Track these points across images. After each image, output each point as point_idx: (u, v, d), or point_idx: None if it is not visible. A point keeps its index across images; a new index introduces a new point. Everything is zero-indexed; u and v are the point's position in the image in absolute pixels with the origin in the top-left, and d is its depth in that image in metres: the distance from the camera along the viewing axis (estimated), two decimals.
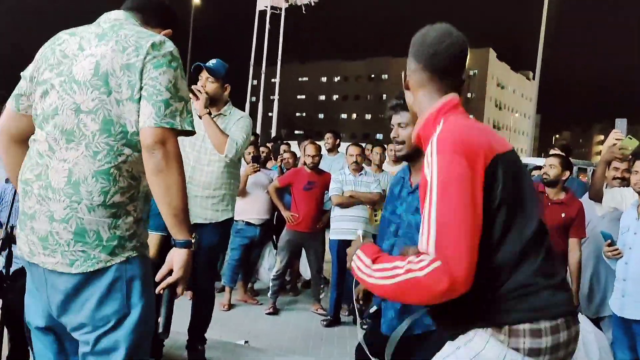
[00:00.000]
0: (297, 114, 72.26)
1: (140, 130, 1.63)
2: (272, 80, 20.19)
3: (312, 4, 17.53)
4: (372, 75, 70.82)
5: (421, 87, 1.58)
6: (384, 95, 68.20)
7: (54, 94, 1.68)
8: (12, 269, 2.55)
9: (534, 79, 18.64)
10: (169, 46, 1.71)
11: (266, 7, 18.01)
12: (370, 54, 71.92)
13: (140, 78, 1.63)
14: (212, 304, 3.57)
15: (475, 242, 1.27)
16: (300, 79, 73.65)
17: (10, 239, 2.43)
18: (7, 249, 2.43)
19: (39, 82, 1.73)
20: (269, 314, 5.03)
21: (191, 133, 1.70)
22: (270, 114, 20.44)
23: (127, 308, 1.67)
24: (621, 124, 3.14)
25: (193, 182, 3.25)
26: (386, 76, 68.44)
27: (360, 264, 1.43)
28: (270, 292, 5.14)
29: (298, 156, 6.45)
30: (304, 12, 18.35)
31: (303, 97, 74.50)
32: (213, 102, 3.33)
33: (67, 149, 1.64)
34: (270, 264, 5.50)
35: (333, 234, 4.94)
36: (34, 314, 1.80)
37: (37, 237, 1.66)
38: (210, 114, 3.22)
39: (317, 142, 5.62)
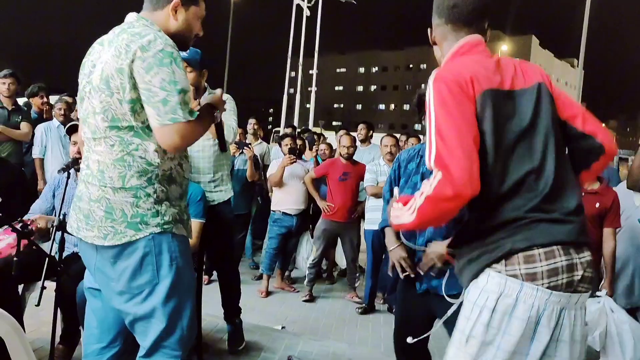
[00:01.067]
0: (335, 105, 72.19)
1: (154, 130, 1.80)
2: (310, 71, 20.26)
3: None
4: (410, 65, 70.07)
5: (445, 39, 1.69)
6: (423, 85, 67.37)
7: (86, 100, 1.90)
8: (64, 255, 2.74)
9: (578, 66, 18.11)
10: (159, 44, 1.78)
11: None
12: (408, 43, 70.78)
13: (129, 81, 1.76)
14: (237, 275, 3.70)
15: (472, 149, 1.42)
16: (338, 70, 73.53)
17: (63, 226, 2.61)
18: (61, 235, 2.60)
19: (79, 90, 1.96)
20: (305, 301, 5.16)
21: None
22: (307, 106, 20.56)
23: (157, 278, 1.86)
24: None
25: (192, 170, 3.36)
26: (424, 66, 67.55)
27: (396, 212, 1.58)
28: (306, 280, 5.27)
29: (334, 147, 6.55)
30: (342, 0, 18.32)
31: (341, 88, 74.36)
32: (196, 91, 3.40)
33: (95, 145, 1.89)
34: (307, 253, 5.63)
35: (368, 223, 5.02)
36: (88, 277, 2.13)
37: (82, 215, 1.92)
38: (199, 104, 3.31)
39: (352, 133, 5.70)
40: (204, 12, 1.99)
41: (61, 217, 2.62)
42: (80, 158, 3.03)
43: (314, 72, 19.09)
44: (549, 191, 1.47)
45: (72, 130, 3.12)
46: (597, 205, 3.51)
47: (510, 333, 1.43)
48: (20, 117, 5.18)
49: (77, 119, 5.73)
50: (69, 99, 5.69)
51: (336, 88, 73.71)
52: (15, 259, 2.37)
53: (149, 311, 1.87)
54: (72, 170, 2.91)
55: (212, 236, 3.37)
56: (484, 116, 1.48)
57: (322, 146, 6.30)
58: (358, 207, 5.28)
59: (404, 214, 1.52)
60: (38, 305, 2.34)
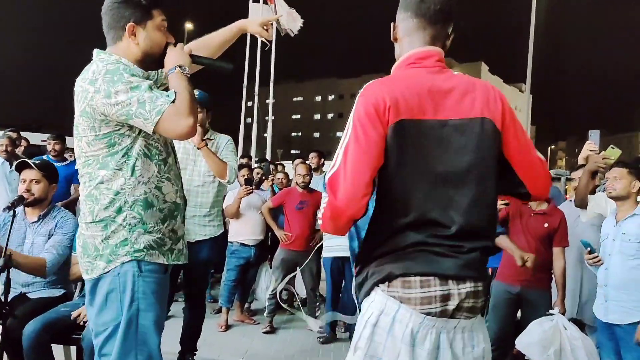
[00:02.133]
0: (293, 134, 72.54)
1: (158, 135, 1.84)
2: (267, 100, 20.32)
3: (299, 29, 17.66)
4: None
5: (407, 35, 1.63)
6: None
7: None
8: (10, 296, 2.64)
9: (525, 91, 18.83)
10: (101, 68, 1.80)
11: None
12: (365, 71, 72.28)
13: (96, 119, 1.81)
14: (203, 314, 3.75)
15: (364, 179, 1.45)
16: (294, 99, 74.15)
17: (8, 266, 2.52)
18: (6, 276, 2.50)
19: None
20: (265, 332, 5.08)
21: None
22: (265, 135, 20.55)
23: (120, 317, 1.83)
24: (594, 135, 3.23)
25: (190, 204, 3.35)
26: None
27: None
28: (266, 311, 5.20)
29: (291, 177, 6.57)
30: (292, 35, 18.52)
31: (298, 116, 74.93)
32: (201, 129, 3.49)
33: (80, 183, 1.95)
34: (266, 284, 5.57)
35: (326, 251, 5.02)
36: None
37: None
38: (206, 145, 3.39)
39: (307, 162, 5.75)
40: (160, 20, 1.94)
41: (6, 257, 2.53)
42: (28, 195, 2.96)
43: (270, 101, 19.16)
44: (445, 230, 1.51)
45: (22, 167, 3.04)
46: (546, 225, 3.63)
47: (391, 349, 1.50)
48: None
49: (29, 156, 5.61)
50: (13, 135, 5.56)
51: (293, 116, 74.22)
52: None
53: (108, 351, 1.84)
54: (19, 209, 2.82)
55: (194, 272, 3.41)
56: (392, 147, 1.49)
57: (279, 175, 6.32)
58: (316, 235, 5.29)
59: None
60: None
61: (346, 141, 1.50)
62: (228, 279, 5.32)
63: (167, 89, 1.87)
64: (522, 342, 3.44)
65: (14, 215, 2.73)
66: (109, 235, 1.84)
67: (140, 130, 1.83)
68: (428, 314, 1.49)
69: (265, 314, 5.21)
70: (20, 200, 2.89)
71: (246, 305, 5.69)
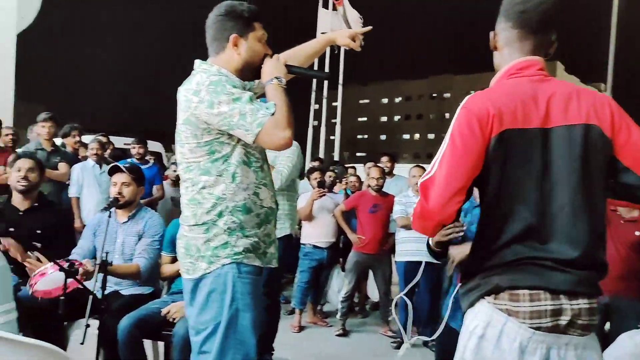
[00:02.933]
0: (359, 137, 72.44)
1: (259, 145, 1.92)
2: (333, 103, 20.43)
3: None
4: (434, 94, 70.16)
5: (507, 45, 1.62)
6: (447, 114, 67.29)
7: None
8: (106, 293, 2.80)
9: (605, 90, 17.90)
10: (204, 79, 1.89)
11: (324, 33, 18.34)
12: (432, 72, 71.15)
13: (197, 128, 1.89)
14: (279, 314, 3.84)
15: (458, 188, 1.47)
16: (361, 101, 74.00)
17: (105, 265, 2.68)
18: (103, 274, 2.66)
19: None
20: (338, 335, 5.12)
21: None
22: (332, 138, 20.67)
23: (220, 317, 1.90)
24: None
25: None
26: (448, 94, 67.64)
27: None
28: (339, 314, 5.24)
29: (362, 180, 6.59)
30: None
31: (364, 119, 74.69)
32: None
33: (181, 188, 2.06)
34: (338, 286, 5.62)
35: (399, 255, 4.99)
36: None
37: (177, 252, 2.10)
38: None
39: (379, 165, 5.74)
40: (262, 33, 2.02)
41: (103, 255, 2.69)
42: (120, 197, 3.14)
43: (338, 103, 19.25)
44: (552, 243, 1.48)
45: (114, 170, 3.22)
46: (637, 233, 3.45)
47: None
48: (58, 158, 5.36)
49: (114, 159, 5.94)
50: (103, 139, 5.89)
51: (359, 119, 74.08)
52: (62, 297, 2.43)
53: (208, 349, 1.92)
54: (112, 210, 2.99)
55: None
56: (496, 158, 1.48)
57: (352, 178, 6.33)
58: (389, 239, 5.27)
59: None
60: (83, 343, 2.39)
61: (443, 149, 1.52)
62: (301, 281, 5.41)
63: (258, 97, 1.96)
64: (611, 356, 3.28)
65: (110, 216, 2.89)
66: (211, 238, 1.92)
67: (239, 139, 1.91)
68: (538, 328, 1.46)
69: (337, 316, 5.25)
70: (114, 202, 3.07)
71: (318, 307, 5.76)
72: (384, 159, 6.39)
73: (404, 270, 4.91)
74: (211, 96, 1.84)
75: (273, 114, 1.83)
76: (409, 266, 4.85)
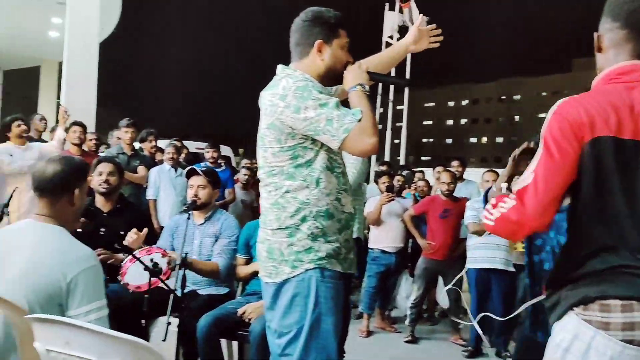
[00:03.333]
0: (424, 140, 71.41)
1: (342, 151, 1.93)
2: (399, 107, 20.25)
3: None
4: (503, 97, 68.13)
5: (614, 47, 1.54)
6: (516, 117, 65.13)
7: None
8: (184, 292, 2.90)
9: None
10: (291, 84, 1.91)
11: (391, 37, 18.21)
12: (500, 74, 69.07)
13: (281, 132, 1.91)
14: (349, 317, 3.77)
15: (553, 195, 1.44)
16: (426, 105, 72.93)
17: (185, 264, 2.78)
18: (183, 273, 2.76)
19: None
20: (407, 342, 5.06)
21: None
22: (397, 141, 20.49)
23: (303, 321, 1.91)
24: None
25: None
26: (518, 97, 65.50)
27: (485, 212, 1.61)
28: (408, 320, 5.17)
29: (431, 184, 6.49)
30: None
31: (430, 122, 73.55)
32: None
33: (262, 192, 2.06)
34: (407, 292, 5.55)
35: (470, 262, 4.87)
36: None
37: (257, 255, 2.12)
38: None
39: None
40: (346, 40, 2.03)
41: (183, 255, 2.79)
42: (197, 200, 3.25)
43: (404, 107, 19.08)
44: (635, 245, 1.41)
45: (191, 173, 3.34)
46: None
47: None
48: (138, 161, 5.62)
49: (187, 162, 6.16)
50: (178, 144, 6.12)
51: (425, 122, 72.98)
52: (146, 296, 2.54)
53: (291, 352, 1.94)
54: (190, 212, 3.10)
55: None
56: (588, 165, 1.43)
57: (420, 183, 6.25)
58: (460, 245, 5.16)
59: (488, 216, 1.58)
60: (164, 340, 2.49)
61: (538, 157, 1.48)
62: (369, 286, 5.38)
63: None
64: None
65: (188, 218, 3.01)
66: (294, 242, 1.93)
67: (323, 144, 1.92)
68: (630, 342, 1.38)
69: (406, 322, 5.19)
70: (192, 205, 3.18)
71: (386, 312, 5.71)
72: (455, 163, 6.26)
73: (476, 278, 4.79)
74: (298, 101, 1.86)
75: (359, 120, 1.83)
76: (480, 274, 4.72)
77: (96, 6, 8.08)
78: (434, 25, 2.30)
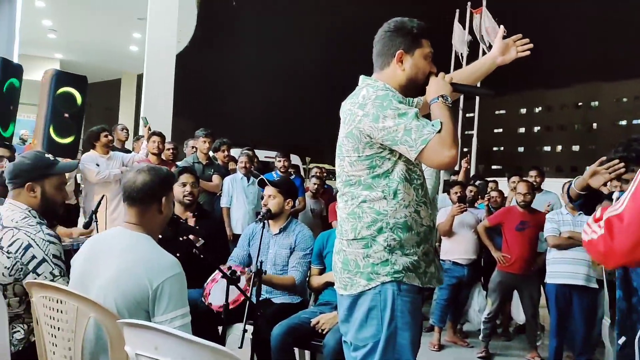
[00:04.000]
0: (495, 149, 69.38)
1: (421, 162, 1.87)
2: (468, 115, 19.82)
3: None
4: (580, 103, 65.13)
5: None
6: (594, 124, 62.06)
7: None
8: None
9: None
10: (371, 93, 1.90)
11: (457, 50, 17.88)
12: (576, 79, 66.11)
13: (359, 142, 1.89)
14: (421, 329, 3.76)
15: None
16: (497, 112, 70.90)
17: (259, 273, 2.82)
18: (258, 282, 2.80)
19: None
20: (481, 357, 4.89)
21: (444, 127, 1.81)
22: (465, 150, 20.06)
23: (380, 334, 1.88)
24: None
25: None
26: (596, 103, 62.42)
27: (586, 227, 1.57)
28: (481, 335, 5.00)
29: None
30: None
31: (500, 130, 71.43)
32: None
33: (339, 202, 2.05)
34: (479, 305, 5.38)
35: (550, 277, 4.64)
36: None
37: (332, 266, 2.11)
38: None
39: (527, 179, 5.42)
40: (429, 50, 2.00)
41: (258, 264, 2.84)
42: (270, 210, 3.29)
43: (474, 115, 18.65)
44: None
45: (263, 183, 3.39)
46: None
47: None
48: (212, 170, 5.79)
49: (258, 171, 6.27)
50: (250, 153, 6.25)
51: (495, 130, 70.94)
52: (225, 304, 2.60)
53: None
54: (266, 221, 3.15)
55: None
56: None
57: (494, 193, 6.04)
58: (537, 259, 4.95)
59: (586, 230, 1.54)
60: (241, 347, 2.53)
61: (635, 185, 1.40)
62: (440, 298, 5.26)
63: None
64: None
65: (263, 227, 3.05)
66: (370, 254, 1.90)
67: (401, 155, 1.89)
68: None
69: (480, 337, 5.02)
70: (266, 214, 3.23)
71: (458, 326, 5.56)
72: (533, 172, 6.02)
73: (555, 294, 4.55)
74: (377, 110, 1.84)
75: (439, 132, 1.78)
76: (560, 289, 4.50)
77: (174, 20, 8.45)
78: (519, 35, 2.22)
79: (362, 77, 2.05)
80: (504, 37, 2.25)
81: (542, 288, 5.11)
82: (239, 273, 2.66)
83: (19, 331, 2.22)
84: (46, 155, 2.47)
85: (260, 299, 3.04)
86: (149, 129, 5.70)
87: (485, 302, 5.26)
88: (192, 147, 6.68)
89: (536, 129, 70.00)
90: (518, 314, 5.40)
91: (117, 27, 11.21)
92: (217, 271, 2.84)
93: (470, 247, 5.27)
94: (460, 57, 17.52)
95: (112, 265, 1.90)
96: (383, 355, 1.87)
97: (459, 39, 17.18)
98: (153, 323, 1.54)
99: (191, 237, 3.31)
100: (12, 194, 2.35)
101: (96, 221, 3.46)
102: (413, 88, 1.99)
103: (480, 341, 5.01)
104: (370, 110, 1.85)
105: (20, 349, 2.20)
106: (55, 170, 2.43)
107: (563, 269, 4.46)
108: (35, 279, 2.13)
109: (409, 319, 1.90)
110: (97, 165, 5.49)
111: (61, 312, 1.80)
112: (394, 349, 1.87)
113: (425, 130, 1.78)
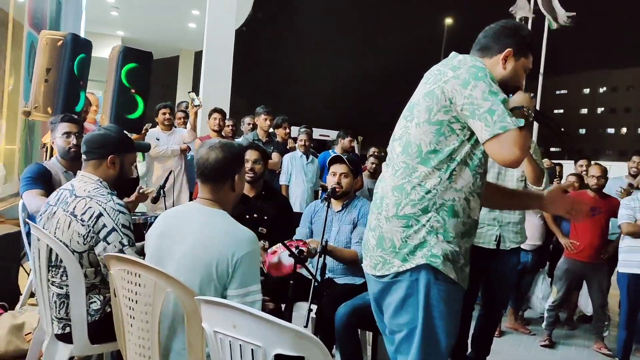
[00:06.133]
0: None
1: (485, 147, 1.75)
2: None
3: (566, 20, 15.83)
4: None
5: None
6: None
7: (395, 129, 2.00)
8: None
9: None
10: (469, 60, 1.82)
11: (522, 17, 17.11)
12: None
13: (436, 103, 1.78)
14: (498, 321, 3.78)
15: None
16: (558, 92, 68.10)
17: (325, 252, 2.79)
18: (323, 260, 2.77)
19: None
20: (544, 345, 4.73)
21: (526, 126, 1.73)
22: None
23: (416, 321, 1.82)
24: None
25: (504, 210, 3.38)
26: None
27: None
28: (545, 322, 4.84)
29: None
30: (563, 23, 16.82)
31: (561, 111, 68.62)
32: None
33: (384, 172, 1.96)
34: (543, 293, 5.20)
35: (622, 266, 4.42)
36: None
37: (362, 242, 2.04)
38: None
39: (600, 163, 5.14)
40: (530, 66, 1.95)
41: (324, 242, 2.80)
42: (338, 188, 3.25)
43: (537, 95, 17.98)
44: None
45: (335, 161, 3.34)
46: None
47: None
48: (272, 147, 5.80)
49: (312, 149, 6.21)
50: (309, 131, 6.22)
51: (555, 111, 68.18)
52: (291, 282, 2.58)
53: (404, 350, 1.87)
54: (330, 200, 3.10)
55: (504, 279, 3.51)
56: None
57: (571, 178, 5.66)
58: (608, 247, 4.71)
59: None
60: (306, 326, 2.51)
61: None
62: None
63: None
64: None
65: (328, 206, 3.01)
66: (410, 235, 1.80)
67: (471, 137, 1.80)
68: None
69: (543, 325, 4.86)
70: (333, 193, 3.18)
71: (520, 312, 5.40)
72: (637, 158, 5.69)
73: (627, 284, 4.33)
74: (469, 76, 1.75)
75: (520, 128, 1.68)
76: (633, 279, 4.27)
77: None
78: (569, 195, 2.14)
79: (454, 53, 1.96)
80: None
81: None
82: (304, 251, 2.64)
83: (95, 302, 2.28)
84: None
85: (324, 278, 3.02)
86: (194, 105, 5.67)
87: (550, 290, 5.09)
88: (249, 124, 6.71)
89: (599, 110, 66.86)
90: (587, 304, 5.21)
91: (176, 4, 11.32)
92: (278, 245, 2.82)
93: (536, 232, 5.09)
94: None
95: (189, 240, 1.91)
96: (420, 343, 1.81)
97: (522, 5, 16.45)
98: (231, 301, 1.52)
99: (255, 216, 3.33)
100: (89, 165, 2.38)
101: (164, 196, 3.51)
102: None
103: (543, 329, 4.85)
104: (463, 74, 1.76)
105: (96, 319, 2.26)
106: (134, 147, 2.49)
107: (636, 257, 4.24)
108: (105, 247, 2.18)
109: (444, 307, 1.81)
110: (157, 139, 5.60)
111: (139, 285, 1.82)
112: (429, 337, 1.81)
113: (508, 119, 1.68)
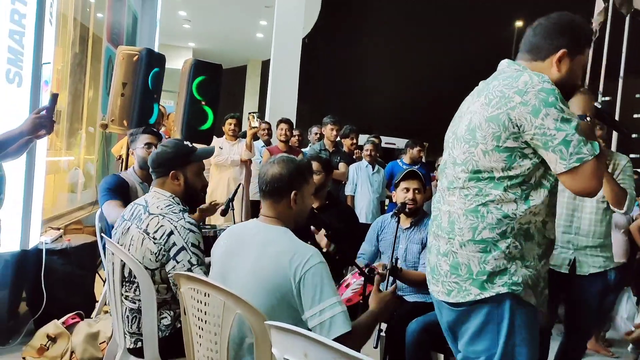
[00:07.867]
0: (634, 135, 63.04)
1: (559, 178, 1.66)
2: (604, 98, 18.11)
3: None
4: None
5: None
6: None
7: (447, 151, 1.91)
8: None
9: None
10: (536, 83, 1.66)
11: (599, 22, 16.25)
12: None
13: (504, 130, 1.66)
14: (583, 349, 3.44)
15: None
16: (638, 95, 64.27)
17: (394, 270, 2.70)
18: (393, 280, 2.68)
19: (445, 141, 1.96)
20: None
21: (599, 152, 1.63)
22: None
23: (495, 349, 1.73)
24: None
25: (581, 233, 3.11)
26: None
27: None
28: (630, 345, 4.51)
29: None
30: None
31: None
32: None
33: (448, 195, 1.85)
34: (628, 313, 4.85)
35: None
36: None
37: (429, 267, 1.93)
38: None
39: None
40: (587, 60, 1.84)
41: (393, 261, 2.71)
42: (412, 203, 3.14)
43: (617, 98, 16.99)
44: None
45: (409, 176, 3.24)
46: None
47: None
48: (338, 157, 5.76)
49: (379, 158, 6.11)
50: (376, 141, 6.13)
51: (635, 115, 64.29)
52: (360, 302, 2.51)
53: None
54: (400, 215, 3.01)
55: (586, 306, 3.23)
56: None
57: None
58: None
59: None
60: (376, 347, 2.43)
61: None
62: None
63: None
64: None
65: (398, 222, 2.92)
66: (488, 260, 1.71)
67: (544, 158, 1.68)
68: None
69: (629, 348, 4.54)
70: (402, 208, 3.08)
71: (601, 333, 5.06)
72: None
73: None
74: (539, 103, 1.62)
75: (597, 157, 1.58)
76: None
77: (301, 7, 8.50)
78: None
79: (506, 62, 1.85)
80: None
81: None
82: (376, 273, 2.56)
83: (165, 317, 2.30)
84: (185, 142, 2.53)
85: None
86: (251, 126, 5.64)
87: (635, 309, 4.74)
88: (316, 133, 6.70)
89: None
90: None
91: (245, 15, 11.57)
92: (349, 275, 2.76)
93: (619, 249, 4.79)
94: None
95: (251, 258, 1.87)
96: None
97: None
98: (303, 329, 1.46)
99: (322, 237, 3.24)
100: (157, 183, 2.43)
101: (233, 209, 3.53)
102: None
103: (629, 352, 4.53)
104: (532, 100, 1.63)
105: (167, 334, 2.28)
106: (195, 157, 2.49)
107: None
108: (174, 266, 2.20)
109: (526, 333, 1.72)
110: (221, 148, 5.68)
111: (207, 304, 1.80)
112: None
113: (585, 149, 1.58)
